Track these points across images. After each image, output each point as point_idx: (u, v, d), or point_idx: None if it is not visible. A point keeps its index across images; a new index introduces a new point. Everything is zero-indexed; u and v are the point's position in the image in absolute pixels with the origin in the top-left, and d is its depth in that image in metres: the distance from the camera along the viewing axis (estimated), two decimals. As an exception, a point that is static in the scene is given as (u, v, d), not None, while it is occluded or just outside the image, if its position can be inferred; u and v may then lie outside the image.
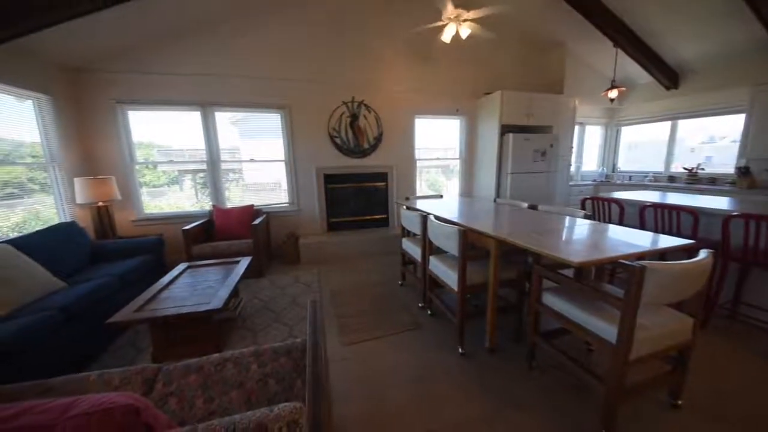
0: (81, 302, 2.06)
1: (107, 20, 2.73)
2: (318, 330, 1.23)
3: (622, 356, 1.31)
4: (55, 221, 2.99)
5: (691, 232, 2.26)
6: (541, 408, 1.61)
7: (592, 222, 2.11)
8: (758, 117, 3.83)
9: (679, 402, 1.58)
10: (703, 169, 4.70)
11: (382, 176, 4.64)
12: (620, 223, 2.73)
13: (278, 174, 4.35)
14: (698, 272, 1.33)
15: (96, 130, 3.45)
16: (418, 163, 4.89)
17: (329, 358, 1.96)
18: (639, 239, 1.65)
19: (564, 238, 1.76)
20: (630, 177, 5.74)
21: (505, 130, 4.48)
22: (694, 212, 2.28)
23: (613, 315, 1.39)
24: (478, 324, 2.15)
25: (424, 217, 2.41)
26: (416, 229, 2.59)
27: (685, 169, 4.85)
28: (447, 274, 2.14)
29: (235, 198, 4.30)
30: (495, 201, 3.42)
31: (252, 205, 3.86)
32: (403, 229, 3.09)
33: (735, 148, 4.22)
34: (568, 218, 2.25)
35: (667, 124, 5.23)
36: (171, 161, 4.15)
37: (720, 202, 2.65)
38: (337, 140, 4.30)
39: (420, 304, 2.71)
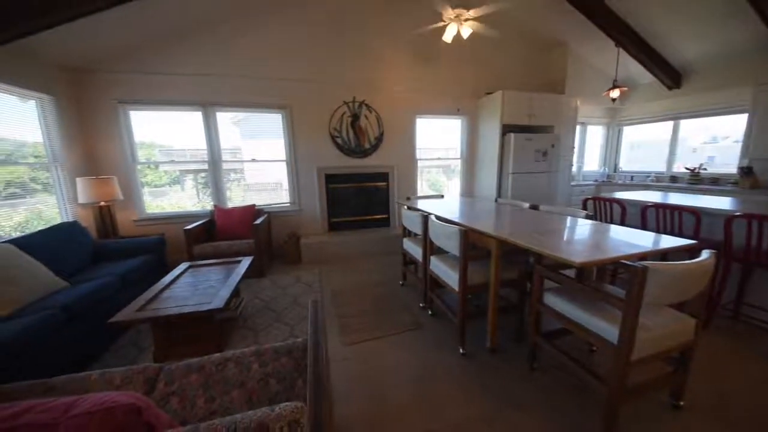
0: (83, 302, 2.07)
1: (109, 21, 2.74)
2: (319, 330, 1.23)
3: (624, 357, 1.30)
4: (58, 221, 3.00)
5: (693, 233, 2.25)
6: (542, 408, 1.61)
7: (594, 222, 2.10)
8: (761, 117, 3.81)
9: (681, 403, 1.58)
10: (705, 169, 4.67)
11: (383, 176, 4.64)
12: (622, 223, 2.73)
13: (279, 174, 4.36)
14: (700, 273, 1.33)
15: (98, 130, 3.46)
16: (419, 163, 4.89)
17: (330, 357, 1.96)
18: (641, 239, 1.65)
19: (565, 238, 1.76)
20: (632, 177, 5.71)
21: (507, 129, 4.47)
22: (697, 212, 2.27)
23: (615, 315, 1.39)
24: (479, 324, 2.15)
25: (425, 217, 2.41)
26: (417, 229, 2.59)
27: (687, 169, 4.83)
28: (448, 274, 2.14)
29: (237, 198, 4.31)
30: (496, 201, 3.42)
31: (253, 205, 3.87)
32: (404, 229, 3.09)
33: (737, 148, 4.21)
34: (569, 218, 2.24)
35: (669, 123, 5.20)
36: (172, 161, 4.16)
37: (722, 202, 2.64)
38: (338, 140, 4.31)
39: (421, 304, 2.71)
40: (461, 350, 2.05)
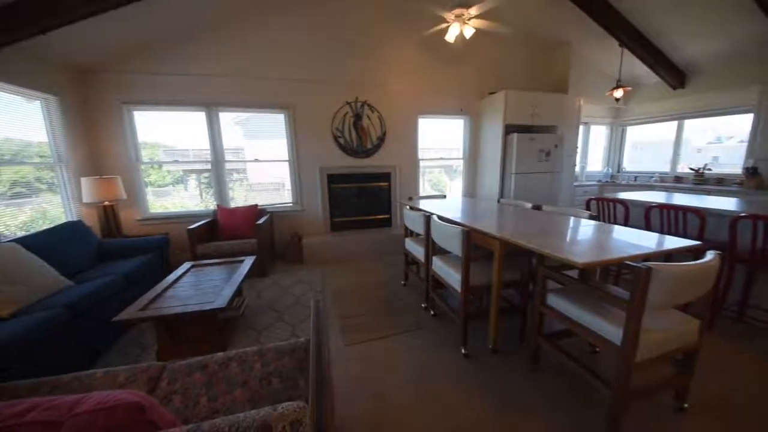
0: (87, 300, 2.08)
1: (114, 22, 2.75)
2: (321, 329, 1.23)
3: (628, 358, 1.29)
4: (62, 220, 3.02)
5: (698, 234, 2.23)
6: (544, 410, 1.60)
7: (597, 223, 2.09)
8: (767, 116, 3.78)
9: (686, 405, 1.57)
10: (710, 169, 4.64)
11: (386, 176, 4.64)
12: (625, 223, 2.71)
13: (282, 174, 4.37)
14: (705, 274, 1.32)
15: (102, 130, 3.49)
16: (422, 163, 4.88)
17: (332, 357, 1.96)
18: (644, 240, 1.63)
19: (569, 238, 1.75)
20: (635, 177, 5.68)
21: (510, 129, 4.46)
22: (701, 213, 2.25)
23: (619, 317, 1.38)
24: (481, 325, 2.15)
25: (428, 217, 2.40)
26: (419, 229, 2.59)
27: (691, 169, 4.79)
28: (450, 274, 2.13)
29: (239, 198, 4.32)
30: (499, 201, 3.41)
31: (256, 205, 3.88)
32: (406, 229, 3.09)
33: (742, 149, 4.17)
34: (572, 219, 2.23)
35: (674, 123, 5.17)
36: (176, 161, 4.18)
37: (727, 203, 2.62)
38: (341, 140, 4.31)
39: (423, 305, 2.71)
40: (463, 351, 2.04)
